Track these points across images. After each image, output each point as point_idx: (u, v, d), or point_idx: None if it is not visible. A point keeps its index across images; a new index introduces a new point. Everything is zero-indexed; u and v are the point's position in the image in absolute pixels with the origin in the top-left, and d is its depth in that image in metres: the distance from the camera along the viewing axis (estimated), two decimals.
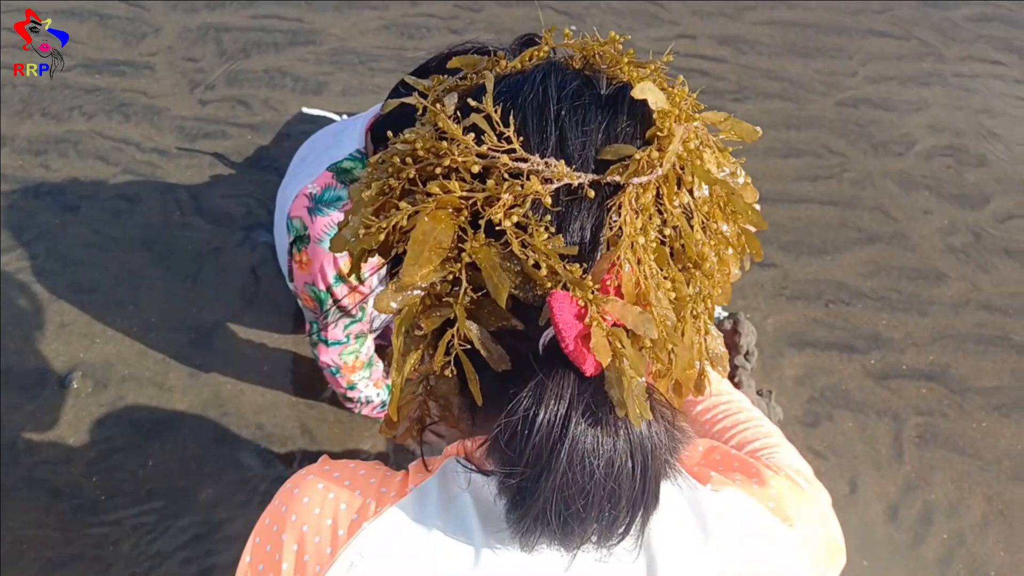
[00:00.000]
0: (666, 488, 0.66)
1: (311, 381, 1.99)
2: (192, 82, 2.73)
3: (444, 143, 0.60)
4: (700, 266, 0.63)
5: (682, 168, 0.62)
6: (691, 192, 0.63)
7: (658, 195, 0.60)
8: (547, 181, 0.58)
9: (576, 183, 0.58)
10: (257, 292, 2.15)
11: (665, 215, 0.60)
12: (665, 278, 0.60)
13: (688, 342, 0.63)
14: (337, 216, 1.45)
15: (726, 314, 1.78)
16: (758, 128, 0.70)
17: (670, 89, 0.65)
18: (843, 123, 2.92)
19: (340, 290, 1.51)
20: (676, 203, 0.61)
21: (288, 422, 1.92)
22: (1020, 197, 2.74)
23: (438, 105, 0.64)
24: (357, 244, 0.63)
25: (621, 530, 0.61)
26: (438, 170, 0.60)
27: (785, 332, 2.27)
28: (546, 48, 0.70)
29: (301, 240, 1.48)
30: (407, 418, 0.70)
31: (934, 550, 1.90)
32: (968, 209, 2.69)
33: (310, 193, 1.46)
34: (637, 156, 0.59)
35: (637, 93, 0.60)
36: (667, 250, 0.61)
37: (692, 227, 0.62)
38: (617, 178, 0.59)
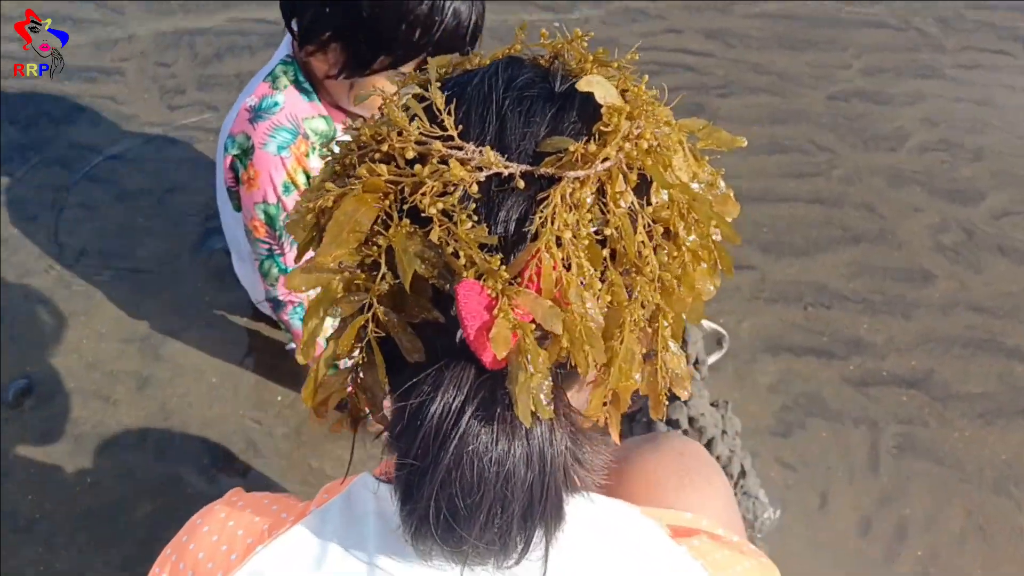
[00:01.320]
0: (584, 506, 0.64)
1: (260, 394, 1.94)
2: (163, 88, 2.70)
3: (385, 129, 0.61)
4: (641, 270, 0.61)
5: (629, 167, 0.60)
6: (645, 193, 0.61)
7: (602, 192, 0.59)
8: (478, 169, 0.57)
9: (507, 173, 0.57)
10: (211, 303, 2.11)
11: (608, 214, 0.58)
12: (601, 280, 0.58)
13: (626, 351, 0.61)
14: (277, 119, 1.47)
15: None
16: (741, 138, 0.68)
17: (635, 88, 0.63)
18: (833, 117, 2.81)
19: (291, 200, 1.50)
20: (621, 203, 0.59)
21: (234, 436, 1.87)
22: (1017, 192, 2.63)
23: (395, 96, 0.64)
24: (293, 225, 0.64)
25: (520, 545, 0.58)
26: (377, 156, 0.60)
27: (760, 337, 2.19)
28: (518, 46, 0.69)
29: (245, 154, 1.48)
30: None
31: (908, 566, 1.81)
32: (960, 205, 2.58)
33: (250, 106, 1.48)
34: (572, 148, 0.57)
35: (583, 86, 0.59)
36: (605, 251, 0.59)
37: (636, 229, 0.60)
38: (551, 170, 0.57)
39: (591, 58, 0.65)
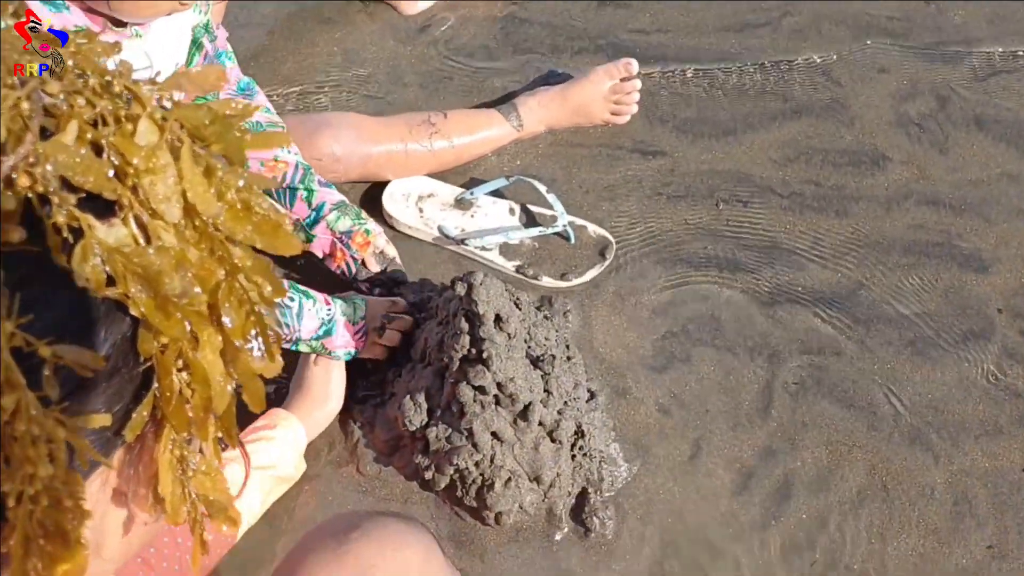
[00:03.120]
0: None
1: None
2: None
3: None
4: None
5: None
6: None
7: None
8: None
9: None
10: None
11: None
12: None
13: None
14: None
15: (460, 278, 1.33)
16: (281, 133, 0.61)
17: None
18: None
19: None
20: None
21: None
22: (1018, 39, 2.11)
23: None
24: None
25: None
26: None
27: (655, 244, 1.83)
28: None
29: None
30: None
31: (785, 535, 1.52)
32: (939, 63, 2.09)
33: None
34: None
35: None
36: None
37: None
38: None
39: None
